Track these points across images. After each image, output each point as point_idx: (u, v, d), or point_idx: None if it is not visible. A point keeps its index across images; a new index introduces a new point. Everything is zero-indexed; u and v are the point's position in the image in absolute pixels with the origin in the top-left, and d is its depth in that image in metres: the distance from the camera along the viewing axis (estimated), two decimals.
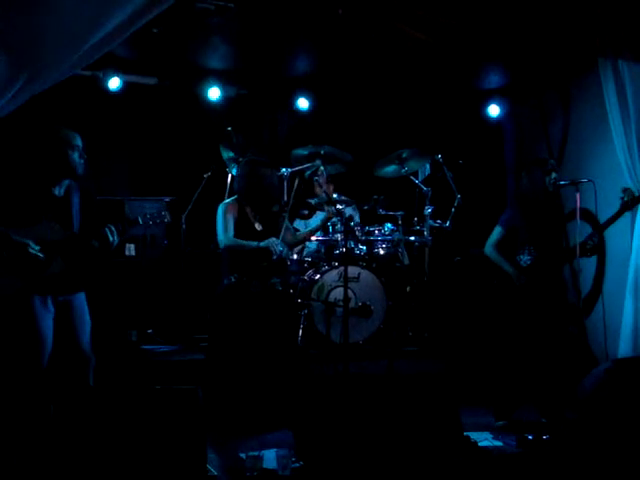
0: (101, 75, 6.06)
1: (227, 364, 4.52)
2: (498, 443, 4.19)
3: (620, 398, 3.59)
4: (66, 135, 3.77)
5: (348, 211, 6.03)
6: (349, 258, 5.32)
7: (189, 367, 5.00)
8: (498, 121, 7.16)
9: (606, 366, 3.89)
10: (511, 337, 4.57)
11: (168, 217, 4.03)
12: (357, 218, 6.12)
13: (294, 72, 6.49)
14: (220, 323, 4.61)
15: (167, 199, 5.83)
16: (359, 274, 5.47)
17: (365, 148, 6.55)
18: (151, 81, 6.43)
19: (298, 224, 5.93)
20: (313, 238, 5.57)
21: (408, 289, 5.87)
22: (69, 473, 3.13)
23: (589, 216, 4.97)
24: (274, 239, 4.66)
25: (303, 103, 6.79)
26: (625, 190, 4.74)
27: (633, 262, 4.98)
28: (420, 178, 6.47)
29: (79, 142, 3.80)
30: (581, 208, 4.51)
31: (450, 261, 6.34)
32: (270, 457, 3.68)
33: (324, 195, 5.59)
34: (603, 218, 4.71)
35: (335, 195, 6.03)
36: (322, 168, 5.67)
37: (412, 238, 5.94)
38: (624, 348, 4.91)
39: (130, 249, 5.72)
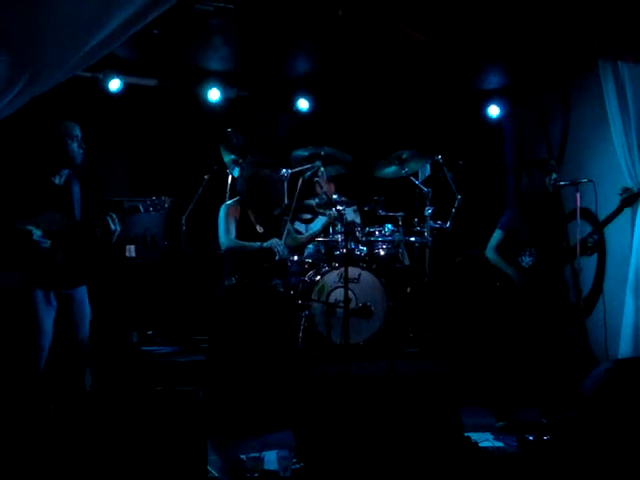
0: (101, 77, 6.07)
1: (228, 365, 4.52)
2: (499, 444, 4.19)
3: (621, 398, 3.58)
4: (65, 125, 3.81)
5: (349, 213, 6.04)
6: (349, 259, 5.31)
7: (190, 368, 5.00)
8: (498, 122, 7.17)
9: (607, 366, 3.89)
10: (512, 337, 4.57)
11: (168, 202, 4.05)
12: (358, 220, 6.12)
13: (294, 73, 6.50)
14: (221, 324, 4.61)
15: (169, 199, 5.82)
16: (359, 275, 5.47)
17: (365, 149, 6.55)
18: (151, 82, 6.43)
19: (299, 226, 5.93)
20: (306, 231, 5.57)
21: (408, 290, 5.87)
22: (69, 474, 3.13)
23: (589, 216, 4.97)
24: (277, 240, 4.66)
25: (303, 104, 6.80)
26: (625, 190, 4.74)
27: (633, 261, 4.97)
28: (420, 179, 6.47)
29: (78, 132, 3.83)
30: (581, 208, 4.51)
31: (450, 262, 6.34)
32: (271, 458, 3.67)
33: (324, 196, 5.59)
34: (603, 218, 4.71)
35: (335, 196, 6.03)
36: (322, 169, 5.67)
37: (412, 239, 5.94)
38: (625, 348, 4.90)
39: (130, 250, 5.72)
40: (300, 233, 5.42)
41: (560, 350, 4.53)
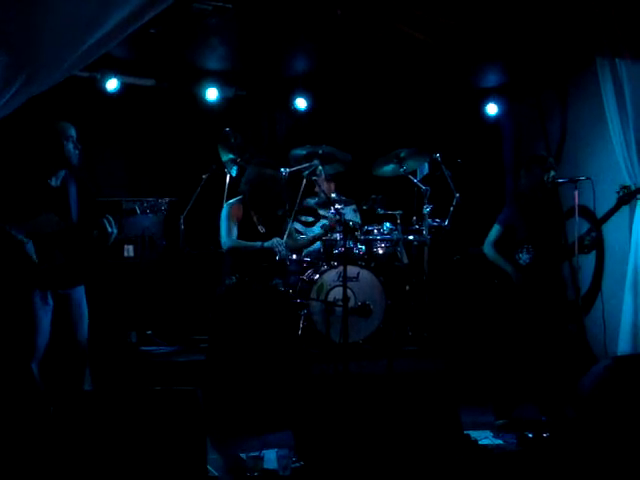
0: (99, 76, 6.06)
1: (228, 364, 4.52)
2: (498, 441, 4.19)
3: (620, 396, 3.59)
4: (60, 126, 3.80)
5: (348, 212, 6.04)
6: (348, 258, 5.31)
7: (189, 368, 5.00)
8: (496, 120, 7.17)
9: (606, 363, 3.88)
10: (511, 335, 4.57)
11: (165, 204, 4.05)
12: (357, 219, 6.11)
13: (292, 72, 6.49)
14: (221, 323, 4.61)
15: (166, 200, 5.81)
16: (358, 273, 5.47)
17: (364, 147, 6.55)
18: (149, 82, 6.43)
19: (297, 225, 5.93)
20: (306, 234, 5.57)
21: (407, 288, 5.87)
22: (68, 474, 3.13)
23: (587, 214, 4.97)
24: (278, 239, 4.66)
25: (301, 103, 6.79)
26: (623, 188, 4.75)
27: (632, 259, 4.98)
28: (419, 177, 6.46)
29: (73, 133, 3.82)
30: (579, 206, 4.52)
31: (449, 260, 6.35)
32: (270, 457, 3.67)
33: (323, 195, 5.59)
34: (601, 216, 4.71)
35: (334, 195, 6.03)
36: (320, 168, 5.67)
37: (411, 237, 5.93)
38: (623, 345, 4.91)
39: (128, 250, 5.71)
40: (301, 234, 5.41)
41: (559, 348, 4.53)
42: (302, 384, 4.42)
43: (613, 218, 4.65)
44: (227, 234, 4.69)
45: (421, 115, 7.04)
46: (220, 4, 4.80)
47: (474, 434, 4.00)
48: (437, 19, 4.97)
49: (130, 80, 6.30)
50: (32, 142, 3.78)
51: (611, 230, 5.21)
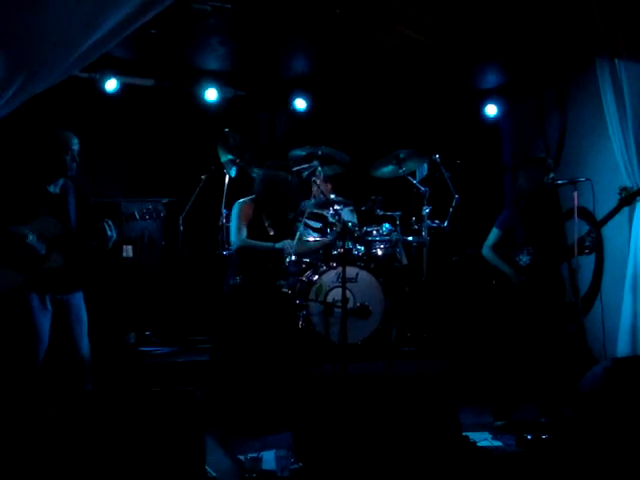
0: (98, 77, 6.06)
1: (232, 364, 4.52)
2: (497, 443, 4.19)
3: (619, 397, 3.58)
4: (63, 136, 3.82)
5: (345, 213, 6.03)
6: (347, 259, 5.31)
7: (187, 369, 4.99)
8: (496, 121, 7.17)
9: (605, 365, 3.88)
10: (510, 337, 4.57)
11: (164, 211, 4.07)
12: (354, 220, 6.11)
13: (291, 73, 6.49)
14: (225, 323, 4.61)
15: (165, 200, 5.80)
16: (357, 274, 5.46)
17: (363, 148, 6.54)
18: (148, 82, 6.43)
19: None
20: (311, 238, 5.56)
21: (406, 289, 5.87)
22: (67, 475, 3.12)
23: (587, 215, 4.96)
24: (289, 241, 4.66)
25: (300, 104, 6.80)
26: (623, 189, 4.74)
27: (631, 260, 4.97)
28: (418, 178, 6.46)
29: (75, 145, 3.84)
30: (579, 207, 4.51)
31: (448, 261, 6.34)
32: (269, 458, 3.67)
33: (322, 196, 5.59)
34: (601, 217, 4.70)
35: (333, 196, 6.02)
36: (319, 169, 5.67)
37: (410, 238, 5.93)
38: (623, 347, 4.91)
39: (127, 251, 5.71)
40: (309, 241, 5.41)
41: (558, 349, 4.53)
42: (301, 385, 4.42)
43: (613, 219, 4.64)
44: (237, 233, 4.69)
45: (420, 116, 7.04)
46: (219, 4, 4.80)
47: (473, 435, 3.98)
48: (436, 19, 4.97)
49: (129, 80, 6.30)
50: (32, 148, 3.80)
51: (610, 231, 5.20)
